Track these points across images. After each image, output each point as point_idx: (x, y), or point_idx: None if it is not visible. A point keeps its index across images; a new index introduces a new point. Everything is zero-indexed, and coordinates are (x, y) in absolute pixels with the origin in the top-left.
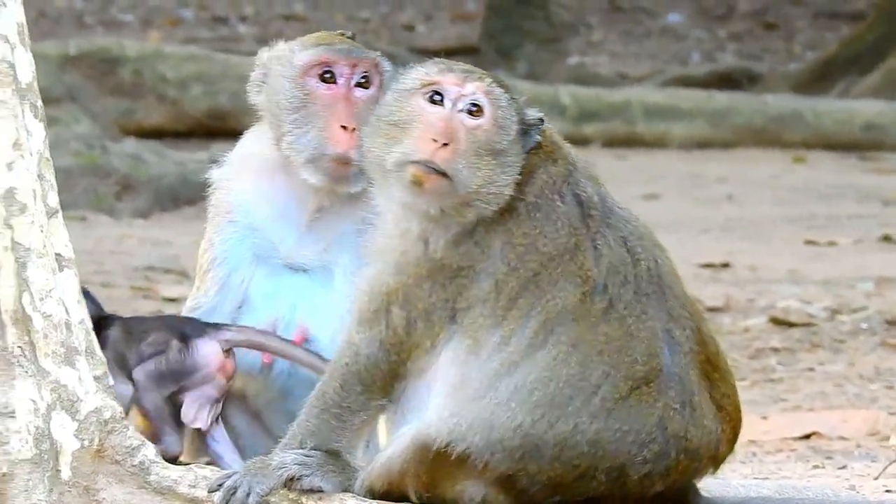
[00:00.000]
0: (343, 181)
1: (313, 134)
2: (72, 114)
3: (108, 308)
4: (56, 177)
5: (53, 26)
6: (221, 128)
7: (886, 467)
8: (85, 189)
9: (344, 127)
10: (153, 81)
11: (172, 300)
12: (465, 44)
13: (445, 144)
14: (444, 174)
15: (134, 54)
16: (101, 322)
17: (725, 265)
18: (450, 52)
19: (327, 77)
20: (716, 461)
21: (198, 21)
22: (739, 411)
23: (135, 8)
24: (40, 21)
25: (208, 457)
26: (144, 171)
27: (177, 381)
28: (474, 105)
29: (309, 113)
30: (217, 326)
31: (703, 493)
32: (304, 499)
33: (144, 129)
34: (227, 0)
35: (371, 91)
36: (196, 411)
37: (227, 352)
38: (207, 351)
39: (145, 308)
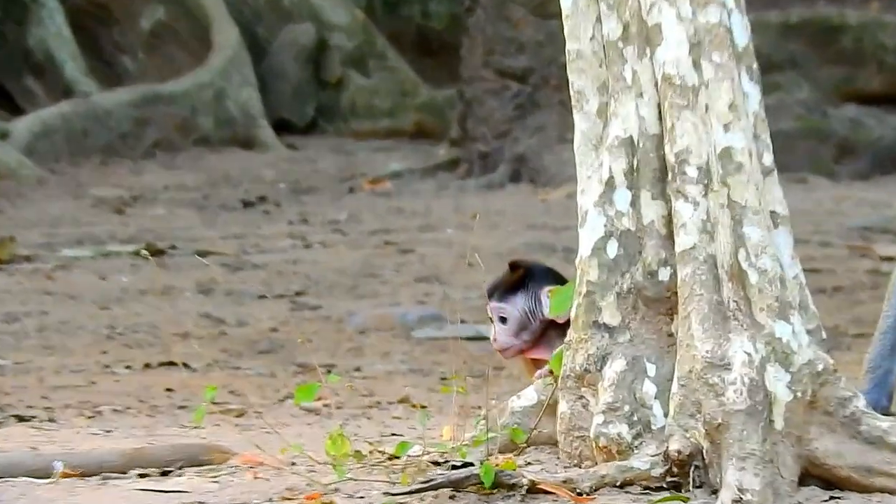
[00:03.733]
0: None
1: None
2: (793, 80)
3: (825, 266)
4: (777, 140)
5: None
6: None
7: None
8: (805, 152)
9: None
10: (873, 49)
11: (889, 259)
12: None
13: None
14: None
15: (854, 23)
16: None
17: None
18: None
19: None
20: None
21: None
22: None
23: None
24: None
25: None
26: (864, 135)
27: None
28: None
29: None
30: None
31: None
32: None
33: (864, 95)
34: None
35: None
36: None
37: None
38: None
39: (861, 266)
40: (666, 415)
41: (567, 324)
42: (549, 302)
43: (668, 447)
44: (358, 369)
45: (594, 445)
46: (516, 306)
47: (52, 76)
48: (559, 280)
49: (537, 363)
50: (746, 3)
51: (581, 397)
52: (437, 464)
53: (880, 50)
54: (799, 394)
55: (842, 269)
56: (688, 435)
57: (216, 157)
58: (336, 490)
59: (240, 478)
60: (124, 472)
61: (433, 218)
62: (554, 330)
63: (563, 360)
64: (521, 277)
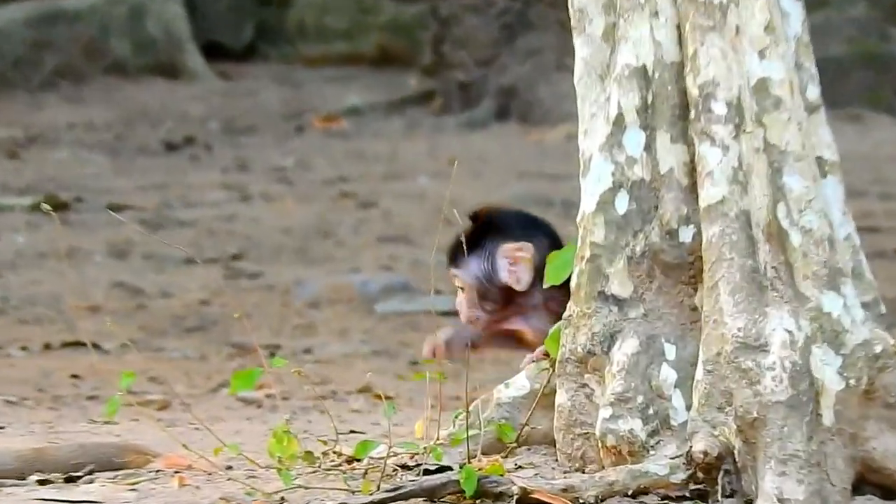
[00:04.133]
0: None
1: None
2: None
3: (886, 224)
4: (825, 69)
5: None
6: None
7: None
8: (860, 83)
9: None
10: None
11: None
12: None
13: None
14: None
15: None
16: None
17: None
18: None
19: None
20: None
21: None
22: None
23: None
24: None
25: None
26: None
27: None
28: None
29: None
30: None
31: None
32: None
33: None
34: None
35: None
36: None
37: None
38: None
39: None
40: (688, 408)
41: (538, 287)
42: (505, 264)
43: (691, 447)
44: (308, 351)
45: (600, 445)
46: (469, 271)
47: None
48: (528, 228)
49: (509, 334)
50: None
51: (584, 386)
52: (406, 467)
53: None
54: (852, 381)
55: None
56: (716, 432)
57: (132, 88)
58: (282, 500)
59: (163, 485)
60: (21, 478)
61: (401, 164)
62: (520, 297)
63: (562, 339)
64: (476, 232)
